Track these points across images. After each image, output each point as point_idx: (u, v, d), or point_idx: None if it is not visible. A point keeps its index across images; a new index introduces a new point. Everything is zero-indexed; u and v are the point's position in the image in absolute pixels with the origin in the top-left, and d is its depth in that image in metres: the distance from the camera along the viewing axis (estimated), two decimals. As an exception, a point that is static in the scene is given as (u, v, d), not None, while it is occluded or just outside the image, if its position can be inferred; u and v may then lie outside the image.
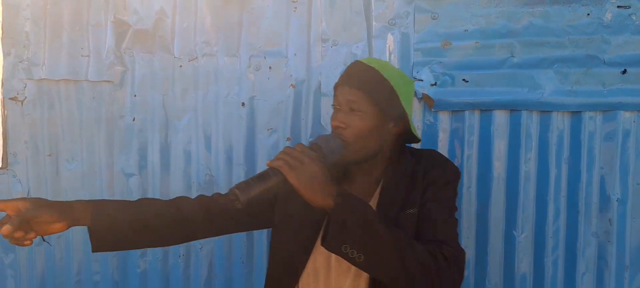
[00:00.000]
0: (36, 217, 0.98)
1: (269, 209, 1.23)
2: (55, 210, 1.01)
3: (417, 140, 1.20)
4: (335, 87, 1.15)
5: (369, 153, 1.11)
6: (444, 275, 0.95)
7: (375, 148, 1.11)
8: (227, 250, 1.77)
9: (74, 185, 1.78)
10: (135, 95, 1.73)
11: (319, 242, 1.12)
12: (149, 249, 1.78)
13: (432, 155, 1.18)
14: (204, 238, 1.25)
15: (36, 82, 1.74)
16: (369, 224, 0.92)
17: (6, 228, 0.93)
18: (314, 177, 0.92)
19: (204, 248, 1.77)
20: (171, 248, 1.78)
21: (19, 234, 0.95)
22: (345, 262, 1.08)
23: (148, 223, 1.13)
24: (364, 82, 1.09)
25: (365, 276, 1.09)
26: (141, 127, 1.74)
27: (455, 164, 1.18)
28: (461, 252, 1.02)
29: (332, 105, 1.15)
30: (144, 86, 1.72)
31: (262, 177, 0.93)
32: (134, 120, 1.74)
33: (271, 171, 0.94)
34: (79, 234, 1.78)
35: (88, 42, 1.72)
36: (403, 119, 1.12)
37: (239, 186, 0.91)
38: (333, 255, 1.10)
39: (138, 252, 1.78)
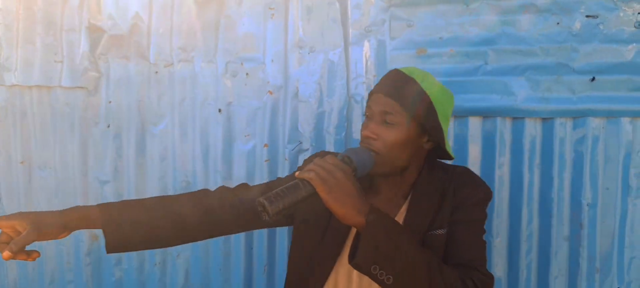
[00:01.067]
0: (34, 239, 0.94)
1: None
2: (55, 226, 0.97)
3: (450, 158, 1.14)
4: (370, 95, 1.10)
5: (399, 167, 1.06)
6: None
7: (405, 162, 1.06)
8: (204, 258, 1.75)
9: (47, 192, 1.74)
10: (110, 102, 1.70)
11: (342, 255, 1.09)
12: (123, 257, 1.75)
13: (464, 173, 1.12)
14: (227, 234, 1.20)
15: (8, 88, 1.71)
16: (401, 246, 0.88)
17: (6, 254, 0.91)
18: (346, 193, 0.88)
19: (181, 255, 1.75)
20: (147, 255, 1.75)
21: (21, 257, 0.93)
22: (366, 279, 1.04)
23: (174, 223, 1.08)
24: (402, 93, 1.03)
25: None
26: (116, 134, 1.72)
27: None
28: (491, 278, 0.99)
29: (364, 113, 1.09)
30: (119, 92, 1.70)
31: (292, 188, 0.88)
32: (108, 126, 1.71)
33: (301, 183, 0.88)
34: (51, 243, 1.75)
35: (61, 47, 1.70)
36: (438, 134, 1.06)
37: (267, 197, 0.86)
38: (355, 271, 1.06)
39: (113, 259, 1.75)
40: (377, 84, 1.10)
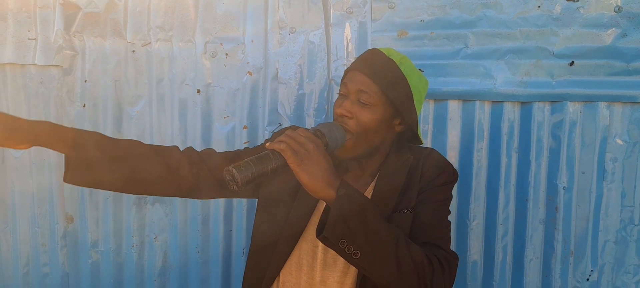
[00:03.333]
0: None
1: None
2: (22, 132, 0.91)
3: (418, 141, 1.14)
4: (346, 72, 1.08)
5: (371, 147, 1.05)
6: (437, 279, 0.92)
7: (377, 143, 1.06)
8: (182, 240, 1.74)
9: (22, 174, 1.70)
10: (85, 81, 1.67)
11: (306, 232, 1.08)
12: (100, 239, 1.73)
13: (431, 154, 1.12)
14: (183, 197, 1.14)
15: (-21, 65, 1.66)
16: (370, 221, 0.87)
17: None
18: (317, 166, 0.86)
19: (159, 237, 1.74)
20: (124, 237, 1.73)
21: None
22: (331, 255, 1.05)
23: (132, 166, 1.02)
24: (380, 74, 1.02)
25: (353, 272, 1.05)
26: (92, 114, 1.68)
27: None
28: (455, 257, 1.00)
29: (339, 91, 1.07)
30: (95, 71, 1.66)
31: (263, 159, 0.85)
32: (84, 106, 1.68)
33: (272, 154, 0.86)
34: (26, 225, 1.72)
35: (35, 24, 1.65)
36: (412, 118, 1.06)
37: (237, 166, 0.83)
38: (320, 246, 1.06)
39: (89, 242, 1.72)
40: (354, 62, 1.08)
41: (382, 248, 0.88)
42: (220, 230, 1.73)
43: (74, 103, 1.68)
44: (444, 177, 1.08)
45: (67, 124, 1.67)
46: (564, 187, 1.55)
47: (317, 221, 1.05)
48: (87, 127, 1.68)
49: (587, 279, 1.59)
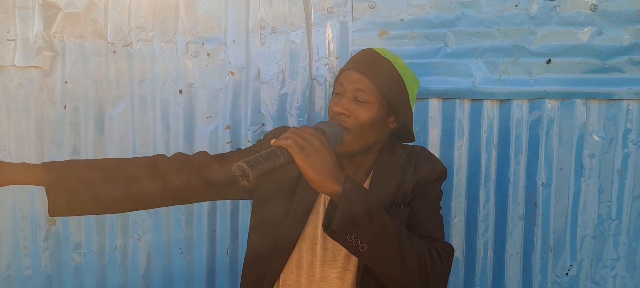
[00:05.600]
0: None
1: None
2: None
3: (411, 139, 1.18)
4: (341, 71, 1.11)
5: (367, 144, 1.08)
6: (437, 270, 0.96)
7: (372, 140, 1.08)
8: (166, 240, 1.74)
9: (1, 176, 1.69)
10: (66, 82, 1.66)
11: (305, 231, 1.10)
12: (83, 240, 1.72)
13: (423, 151, 1.17)
14: (181, 204, 1.17)
15: (-43, 67, 1.64)
16: (375, 215, 0.90)
17: None
18: (323, 161, 0.88)
19: (142, 238, 1.73)
20: (107, 239, 1.72)
21: None
22: (330, 251, 1.09)
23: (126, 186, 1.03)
24: (376, 72, 1.05)
25: (352, 268, 1.07)
26: (73, 115, 1.67)
27: None
28: (452, 249, 1.04)
29: (334, 90, 1.09)
30: (75, 72, 1.65)
31: (270, 155, 0.86)
32: (65, 108, 1.67)
33: (279, 151, 0.87)
34: (7, 227, 1.70)
35: (14, 25, 1.64)
36: (406, 116, 1.10)
37: (247, 162, 0.83)
38: (319, 243, 1.09)
39: (71, 244, 1.72)
40: (349, 61, 1.11)
41: (387, 240, 0.91)
42: (204, 231, 1.72)
43: (54, 104, 1.67)
44: (436, 173, 1.13)
45: (47, 125, 1.67)
46: (543, 183, 1.57)
47: (316, 219, 1.11)
48: (68, 128, 1.67)
49: (567, 274, 1.61)
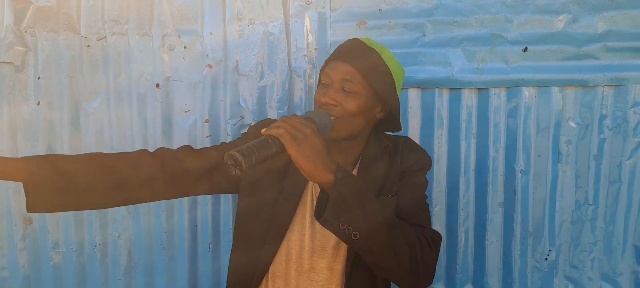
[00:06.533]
0: None
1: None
2: None
3: (397, 128, 1.18)
4: (327, 61, 1.10)
5: (354, 133, 1.09)
6: (426, 257, 0.97)
7: (360, 129, 1.09)
8: (146, 237, 1.71)
9: (-26, 175, 1.65)
10: (39, 78, 1.62)
11: (293, 222, 1.10)
12: (61, 239, 1.69)
13: (407, 141, 1.18)
14: (167, 199, 1.14)
15: None
16: (367, 203, 0.91)
17: None
18: (315, 150, 0.88)
19: (122, 236, 1.71)
20: (86, 237, 1.69)
21: None
22: (319, 242, 1.09)
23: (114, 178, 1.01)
24: (363, 62, 1.05)
25: (342, 258, 1.08)
26: (47, 112, 1.63)
27: None
28: (439, 236, 1.06)
29: (320, 80, 1.10)
30: (48, 68, 1.61)
31: (262, 144, 0.85)
32: (38, 104, 1.63)
33: (271, 139, 0.87)
34: (-19, 228, 1.66)
35: (-17, 20, 1.59)
36: (393, 106, 1.10)
37: (240, 151, 0.82)
38: (307, 234, 1.10)
39: (49, 243, 1.68)
40: (335, 52, 1.11)
41: (379, 229, 0.92)
42: (185, 226, 1.71)
43: (27, 101, 1.62)
44: (422, 162, 1.15)
45: (21, 122, 1.63)
46: (521, 170, 1.59)
47: (304, 210, 1.11)
48: (42, 125, 1.63)
49: (546, 259, 1.64)
